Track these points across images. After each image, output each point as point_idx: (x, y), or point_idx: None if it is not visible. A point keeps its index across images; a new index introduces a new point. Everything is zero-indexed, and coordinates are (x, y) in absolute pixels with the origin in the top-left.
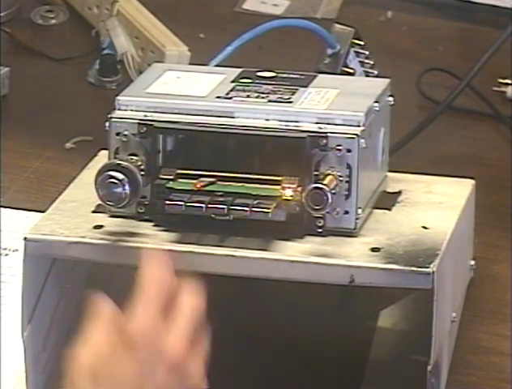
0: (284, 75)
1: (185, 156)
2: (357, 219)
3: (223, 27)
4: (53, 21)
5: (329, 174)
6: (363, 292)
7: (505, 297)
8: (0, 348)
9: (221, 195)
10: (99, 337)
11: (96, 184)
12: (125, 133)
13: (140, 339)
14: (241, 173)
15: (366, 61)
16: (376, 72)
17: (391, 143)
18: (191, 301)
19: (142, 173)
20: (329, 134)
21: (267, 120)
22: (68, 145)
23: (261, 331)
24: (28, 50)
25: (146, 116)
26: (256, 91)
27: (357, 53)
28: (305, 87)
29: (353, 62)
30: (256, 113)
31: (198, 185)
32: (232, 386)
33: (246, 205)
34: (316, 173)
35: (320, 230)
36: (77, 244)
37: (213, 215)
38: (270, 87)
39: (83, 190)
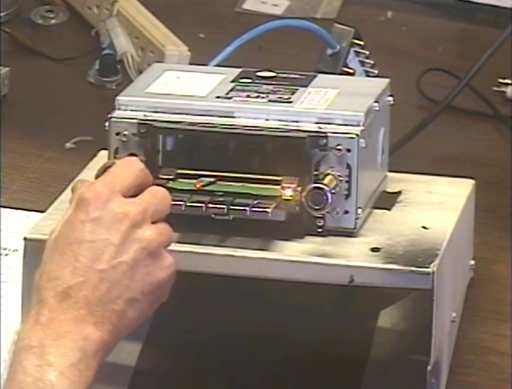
0: (284, 75)
1: (185, 156)
2: (357, 219)
3: (223, 27)
4: (53, 21)
5: (329, 174)
6: (363, 292)
7: (505, 297)
8: (0, 348)
9: (221, 195)
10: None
11: None
12: (125, 133)
13: (91, 200)
14: (241, 173)
15: (366, 61)
16: (376, 72)
17: (391, 143)
18: (159, 190)
19: None
20: (329, 134)
21: (267, 120)
22: (68, 145)
23: (261, 331)
24: (28, 50)
25: (146, 116)
26: (256, 91)
27: (357, 53)
28: (305, 87)
29: (353, 62)
30: (256, 113)
31: (198, 185)
32: (232, 385)
33: (246, 205)
34: (316, 172)
35: (320, 230)
36: None
37: (213, 215)
38: (270, 87)
39: None
